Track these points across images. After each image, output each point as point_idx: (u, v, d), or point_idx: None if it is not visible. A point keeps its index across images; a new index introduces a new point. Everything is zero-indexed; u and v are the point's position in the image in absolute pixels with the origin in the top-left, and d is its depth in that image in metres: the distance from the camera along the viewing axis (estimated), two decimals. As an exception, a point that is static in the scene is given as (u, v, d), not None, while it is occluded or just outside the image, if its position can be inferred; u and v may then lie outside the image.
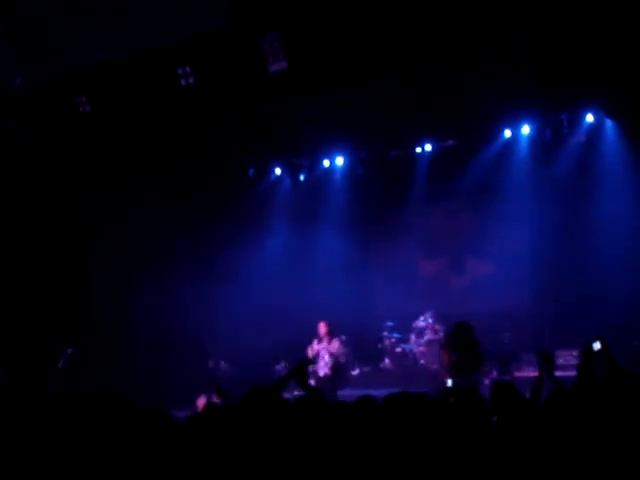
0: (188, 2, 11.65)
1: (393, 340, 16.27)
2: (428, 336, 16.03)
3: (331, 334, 12.20)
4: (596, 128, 15.30)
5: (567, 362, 12.74)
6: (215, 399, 11.05)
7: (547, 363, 6.28)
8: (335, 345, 12.15)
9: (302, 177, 18.07)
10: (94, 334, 14.67)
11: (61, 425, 4.00)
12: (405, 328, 16.59)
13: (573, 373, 7.12)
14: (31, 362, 13.84)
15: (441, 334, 15.90)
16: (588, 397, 4.91)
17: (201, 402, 10.79)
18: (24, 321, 14.53)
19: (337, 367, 12.05)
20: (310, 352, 12.11)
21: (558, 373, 12.40)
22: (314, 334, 16.16)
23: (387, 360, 16.13)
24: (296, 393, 15.09)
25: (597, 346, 5.88)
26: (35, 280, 14.99)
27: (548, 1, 10.22)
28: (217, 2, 11.55)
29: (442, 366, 10.64)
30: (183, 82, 12.19)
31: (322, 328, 12.22)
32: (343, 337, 12.59)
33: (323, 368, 12.03)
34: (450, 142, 16.77)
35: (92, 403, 4.08)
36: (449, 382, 13.56)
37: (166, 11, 11.93)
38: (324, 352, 12.07)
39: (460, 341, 10.29)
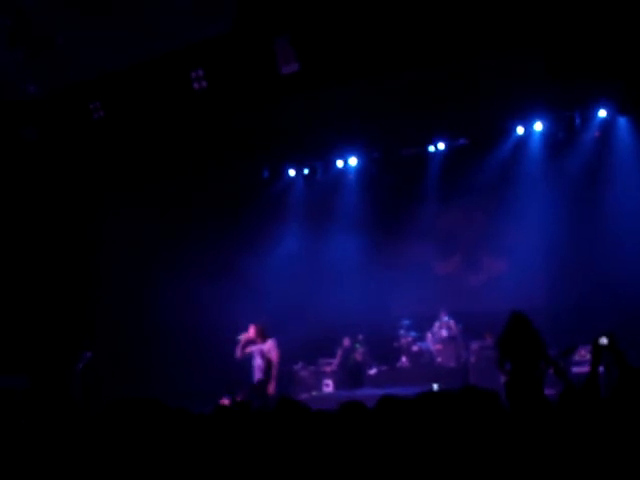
0: (199, 7, 11.69)
1: (409, 339, 16.27)
2: (444, 334, 16.03)
3: (262, 336, 11.72)
4: (609, 124, 15.26)
5: (583, 358, 12.71)
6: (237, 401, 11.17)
7: (609, 351, 5.89)
8: (269, 345, 11.64)
9: (316, 177, 18.12)
10: (112, 337, 14.77)
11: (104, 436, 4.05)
12: (421, 326, 16.60)
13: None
14: (52, 368, 13.96)
15: (457, 332, 15.93)
16: (594, 395, 4.91)
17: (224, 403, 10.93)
18: (43, 328, 14.66)
19: (268, 370, 11.48)
20: (239, 351, 11.71)
21: (575, 369, 12.50)
22: (329, 333, 16.26)
23: (404, 359, 16.13)
24: (314, 393, 15.23)
25: (604, 341, 5.83)
26: (51, 285, 15.10)
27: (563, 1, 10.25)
28: (227, 6, 11.60)
29: (498, 362, 10.18)
30: (196, 85, 12.27)
31: (251, 331, 11.77)
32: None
33: (256, 372, 11.56)
34: (463, 140, 16.76)
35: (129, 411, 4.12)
36: (435, 386, 13.63)
37: (177, 15, 11.97)
38: (257, 353, 11.62)
39: (520, 333, 9.81)
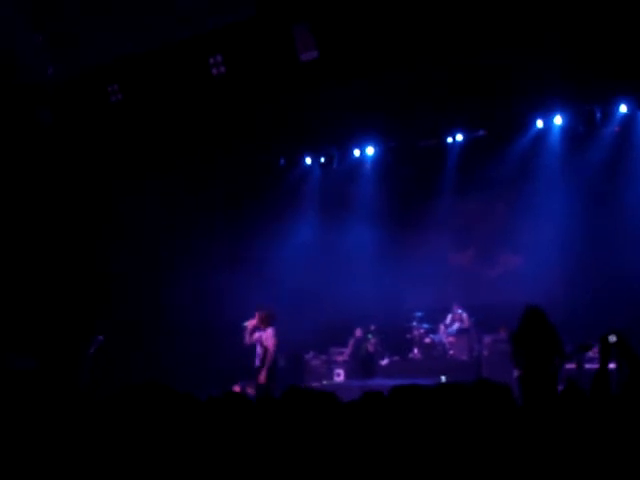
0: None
1: (422, 330, 16.25)
2: (457, 326, 16.01)
3: (265, 323, 11.77)
4: (629, 119, 15.15)
5: (597, 355, 12.64)
6: (248, 390, 11.22)
7: (618, 348, 5.81)
8: (267, 333, 11.69)
9: (332, 166, 18.07)
10: (125, 322, 14.79)
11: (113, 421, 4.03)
12: (434, 318, 16.57)
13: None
14: (62, 350, 14.00)
15: (470, 325, 15.89)
16: (604, 392, 4.87)
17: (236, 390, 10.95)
18: (56, 309, 14.70)
19: (264, 358, 11.52)
20: (247, 338, 11.79)
21: (588, 366, 12.42)
22: (342, 323, 16.26)
23: (416, 350, 16.12)
24: (325, 382, 15.23)
25: (612, 339, 5.78)
26: (66, 268, 15.14)
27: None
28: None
29: (514, 356, 10.06)
30: (215, 71, 12.23)
31: (255, 319, 11.86)
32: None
33: (256, 360, 11.64)
34: (481, 132, 16.66)
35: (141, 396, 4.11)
36: (442, 378, 13.58)
37: (197, 1, 11.95)
38: (258, 341, 11.70)
39: (536, 328, 9.66)
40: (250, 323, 11.77)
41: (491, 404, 4.18)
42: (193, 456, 3.85)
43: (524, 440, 3.92)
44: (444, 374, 13.98)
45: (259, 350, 11.61)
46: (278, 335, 11.71)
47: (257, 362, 11.59)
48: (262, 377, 11.37)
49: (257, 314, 11.87)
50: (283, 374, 14.84)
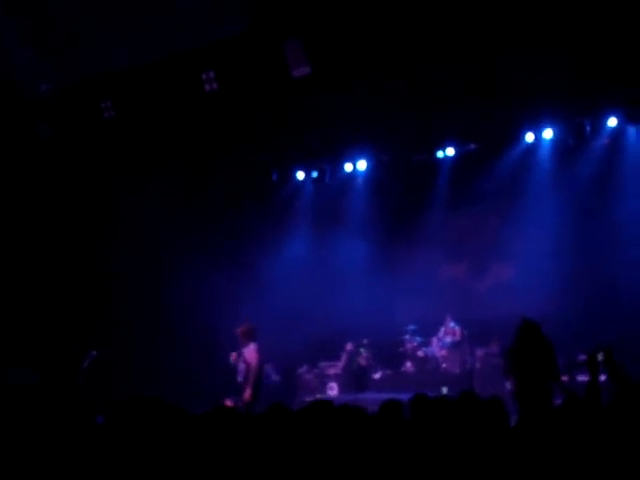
0: (212, 8, 11.72)
1: (415, 344, 16.27)
2: (450, 340, 16.03)
3: (246, 338, 11.34)
4: (618, 132, 15.26)
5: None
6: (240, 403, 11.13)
7: (606, 365, 5.87)
8: (249, 349, 11.26)
9: (324, 181, 18.13)
10: (119, 335, 14.82)
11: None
12: (427, 332, 16.60)
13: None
14: (60, 364, 14.01)
15: (462, 338, 15.92)
16: (595, 406, 4.93)
17: (228, 403, 10.87)
18: (52, 324, 14.72)
19: (247, 375, 11.07)
20: (233, 358, 11.33)
21: (581, 378, 12.45)
22: (335, 337, 16.26)
23: (409, 363, 16.13)
24: (318, 396, 15.22)
25: (600, 357, 5.85)
26: (60, 282, 15.17)
27: (573, 9, 10.25)
28: (240, 8, 11.62)
29: (507, 372, 9.99)
30: (207, 87, 12.29)
31: (238, 333, 11.45)
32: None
33: (238, 375, 11.19)
34: (472, 146, 16.75)
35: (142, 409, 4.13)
36: (444, 390, 13.60)
37: (190, 17, 12.00)
38: (241, 358, 11.25)
39: (531, 342, 9.59)
40: (234, 355, 11.43)
41: (480, 418, 4.23)
42: (184, 471, 3.88)
43: (513, 452, 3.97)
44: (437, 387, 13.99)
45: (241, 366, 11.19)
46: (261, 351, 11.28)
47: (239, 378, 11.16)
48: (247, 395, 10.91)
49: (240, 328, 11.45)
50: (275, 388, 14.88)
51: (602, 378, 6.41)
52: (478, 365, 14.91)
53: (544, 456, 3.97)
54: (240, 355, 11.29)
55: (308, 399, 14.85)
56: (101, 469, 3.72)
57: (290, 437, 4.42)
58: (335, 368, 16.22)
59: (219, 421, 4.34)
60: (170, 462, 3.83)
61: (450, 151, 16.77)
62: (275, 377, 15.97)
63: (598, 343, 6.16)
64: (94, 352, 13.23)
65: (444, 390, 13.71)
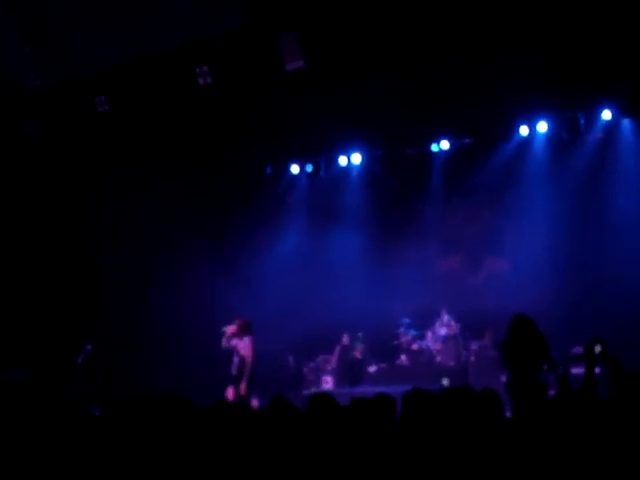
0: (205, 3, 11.71)
1: (409, 337, 16.29)
2: (444, 333, 16.05)
3: (243, 332, 11.43)
4: (613, 125, 15.26)
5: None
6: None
7: (602, 357, 5.89)
8: (244, 342, 11.34)
9: (319, 175, 18.12)
10: (112, 329, 14.80)
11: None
12: (421, 325, 16.62)
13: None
14: (53, 360, 14.00)
15: (457, 331, 15.94)
16: (591, 398, 4.94)
17: (230, 393, 10.92)
18: (45, 320, 14.70)
19: (242, 368, 11.18)
20: (224, 342, 11.44)
21: (575, 370, 12.49)
22: (330, 330, 16.27)
23: (403, 357, 16.15)
24: (313, 389, 15.25)
25: (597, 349, 5.86)
26: (53, 277, 15.16)
27: (568, 1, 10.26)
28: (234, 3, 11.61)
29: (502, 365, 10.09)
30: (201, 81, 12.28)
31: (233, 327, 11.53)
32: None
33: (233, 368, 11.27)
34: (467, 140, 16.76)
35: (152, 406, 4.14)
36: (444, 381, 13.62)
37: (183, 11, 11.99)
38: (235, 350, 11.34)
39: (524, 337, 9.69)
40: (230, 329, 11.57)
41: (476, 411, 4.25)
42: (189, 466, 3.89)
43: (508, 445, 3.98)
44: (433, 380, 14.00)
45: (236, 359, 11.30)
46: (255, 344, 11.41)
47: (234, 370, 11.25)
48: (242, 388, 11.05)
49: (237, 321, 11.58)
50: (270, 382, 14.87)
51: (596, 370, 6.44)
52: (473, 358, 14.94)
53: (540, 449, 3.98)
54: (236, 347, 11.36)
55: (305, 393, 14.89)
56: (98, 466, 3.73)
57: (294, 431, 4.44)
58: (330, 362, 16.24)
59: (225, 415, 4.36)
60: (183, 455, 3.85)
61: (445, 145, 16.77)
62: (268, 370, 16.02)
63: (594, 335, 6.18)
64: (89, 346, 13.21)
65: (445, 382, 13.73)
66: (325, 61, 11.79)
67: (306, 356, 16.46)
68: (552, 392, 9.67)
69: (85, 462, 3.90)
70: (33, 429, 4.17)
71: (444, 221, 17.65)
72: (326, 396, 4.87)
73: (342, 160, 17.76)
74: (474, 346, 15.22)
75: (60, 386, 13.16)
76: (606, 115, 15.10)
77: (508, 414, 5.32)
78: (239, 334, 11.43)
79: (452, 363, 15.47)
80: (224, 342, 11.45)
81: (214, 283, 15.83)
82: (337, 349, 16.33)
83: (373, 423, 4.51)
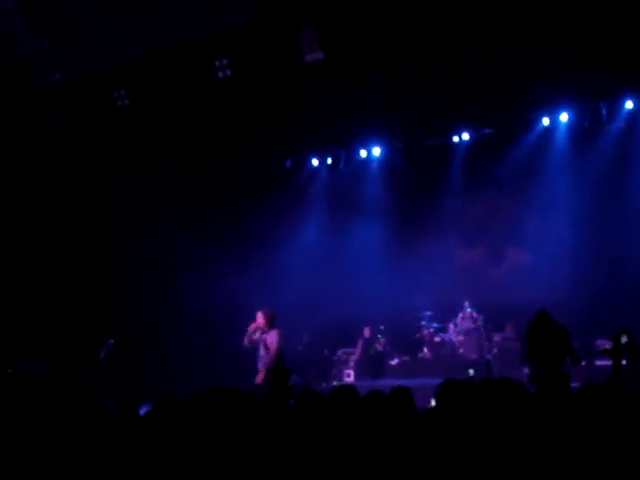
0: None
1: (431, 330, 16.26)
2: (467, 325, 15.99)
3: (270, 325, 11.03)
4: (635, 115, 15.12)
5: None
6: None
7: (629, 347, 5.87)
8: (271, 336, 10.90)
9: (339, 168, 18.09)
10: (134, 324, 14.84)
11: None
12: (443, 317, 16.57)
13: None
14: (72, 354, 14.04)
15: (479, 323, 15.88)
16: (618, 390, 4.89)
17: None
18: (66, 313, 14.75)
19: (267, 360, 10.71)
20: (246, 341, 10.96)
21: (598, 362, 12.40)
22: (351, 323, 16.25)
23: (426, 350, 16.12)
24: (335, 382, 15.22)
25: (624, 339, 5.82)
26: (76, 273, 15.21)
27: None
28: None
29: (524, 358, 10.13)
30: (220, 74, 12.28)
31: (259, 318, 11.09)
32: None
33: (259, 361, 10.81)
34: (487, 130, 16.66)
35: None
36: (471, 371, 13.55)
37: (202, 4, 11.98)
38: (262, 342, 10.88)
39: (545, 330, 9.73)
40: (253, 325, 11.30)
41: (510, 401, 4.21)
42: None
43: (538, 435, 3.94)
44: (461, 371, 13.89)
45: (262, 352, 10.88)
46: (283, 337, 11.00)
47: (259, 365, 10.85)
48: (259, 378, 10.73)
49: (262, 314, 11.11)
50: (294, 375, 14.84)
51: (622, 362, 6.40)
52: (495, 350, 14.85)
53: (567, 442, 3.94)
54: (263, 340, 11.13)
55: (325, 385, 14.87)
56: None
57: (320, 422, 4.42)
58: (352, 355, 16.21)
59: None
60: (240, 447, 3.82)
61: (465, 136, 16.69)
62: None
63: (620, 325, 6.13)
64: (111, 341, 13.25)
65: (471, 372, 13.64)
66: (344, 53, 11.75)
67: (328, 349, 16.45)
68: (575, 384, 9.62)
69: (107, 458, 3.89)
70: (52, 423, 4.16)
71: (465, 212, 17.58)
72: (350, 388, 4.85)
73: (362, 152, 17.72)
74: (496, 338, 15.15)
75: (78, 380, 13.20)
76: (628, 105, 14.98)
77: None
78: (266, 326, 11.19)
79: (475, 355, 15.41)
80: (246, 341, 11.13)
81: (235, 277, 15.81)
82: (359, 342, 16.30)
83: (390, 415, 4.48)
